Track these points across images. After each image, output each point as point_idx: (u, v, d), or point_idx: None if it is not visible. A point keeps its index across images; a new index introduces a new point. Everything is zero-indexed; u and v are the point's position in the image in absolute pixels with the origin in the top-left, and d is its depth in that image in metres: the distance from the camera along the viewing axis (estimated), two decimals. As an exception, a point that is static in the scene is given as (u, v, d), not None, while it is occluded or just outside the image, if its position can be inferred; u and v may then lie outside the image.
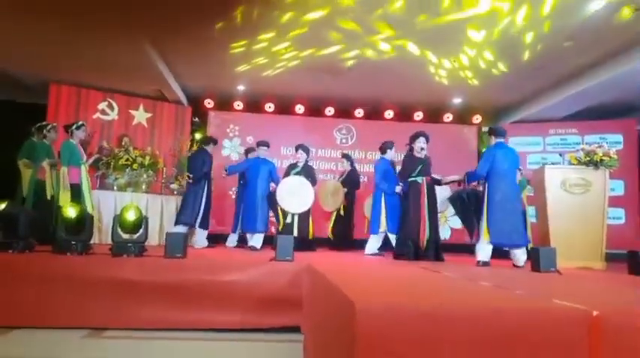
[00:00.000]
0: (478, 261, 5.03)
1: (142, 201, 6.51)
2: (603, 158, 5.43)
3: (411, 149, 5.83)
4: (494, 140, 5.39)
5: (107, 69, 6.95)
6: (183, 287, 3.60)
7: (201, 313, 3.55)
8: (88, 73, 7.21)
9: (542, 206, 5.69)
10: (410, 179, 5.68)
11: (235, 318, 3.54)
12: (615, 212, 7.64)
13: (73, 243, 4.14)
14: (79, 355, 2.86)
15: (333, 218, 7.66)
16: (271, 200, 6.51)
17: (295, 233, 6.54)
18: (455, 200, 5.43)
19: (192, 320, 3.52)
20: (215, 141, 7.24)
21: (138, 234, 4.30)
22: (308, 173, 6.89)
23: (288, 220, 6.71)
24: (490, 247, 5.08)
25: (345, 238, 7.61)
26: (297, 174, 6.84)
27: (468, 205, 5.27)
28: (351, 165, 7.90)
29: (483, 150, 9.25)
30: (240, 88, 8.33)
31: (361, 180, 8.19)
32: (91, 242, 4.55)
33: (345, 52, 6.56)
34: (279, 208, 6.54)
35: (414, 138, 5.81)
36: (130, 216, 4.28)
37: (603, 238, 5.44)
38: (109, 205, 6.34)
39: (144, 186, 6.88)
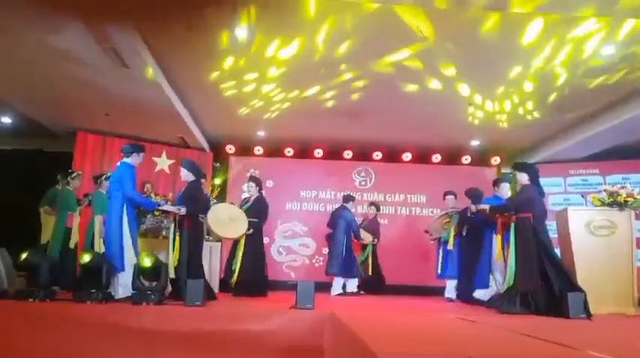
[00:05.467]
0: None
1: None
2: (627, 199, 5.30)
3: None
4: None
5: (132, 117, 7.17)
6: (202, 336, 3.56)
7: (221, 363, 3.48)
8: (114, 122, 7.44)
9: (567, 248, 5.54)
10: None
11: (255, 369, 3.46)
12: (645, 254, 7.39)
13: (92, 291, 4.14)
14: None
15: None
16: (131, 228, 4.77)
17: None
18: None
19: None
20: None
21: (158, 282, 4.30)
22: (259, 208, 6.33)
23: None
24: None
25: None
26: (247, 210, 6.20)
27: None
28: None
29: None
30: (261, 133, 8.50)
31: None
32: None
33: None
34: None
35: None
36: (146, 263, 4.27)
37: (634, 282, 5.24)
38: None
39: (164, 232, 6.92)
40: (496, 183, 6.21)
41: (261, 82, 6.22)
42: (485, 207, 5.49)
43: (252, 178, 6.61)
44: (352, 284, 7.28)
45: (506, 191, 6.07)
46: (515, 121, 7.36)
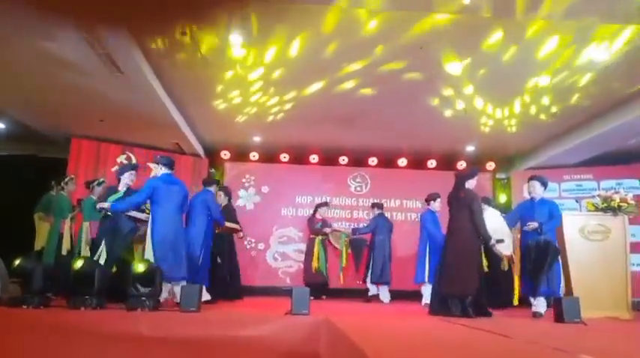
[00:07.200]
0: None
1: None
2: (621, 204, 5.34)
3: None
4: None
5: (127, 123, 7.16)
6: (197, 342, 3.54)
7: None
8: (109, 128, 7.42)
9: (561, 253, 5.57)
10: None
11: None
12: (637, 258, 7.42)
13: (87, 297, 4.11)
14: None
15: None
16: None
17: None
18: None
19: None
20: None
21: (152, 288, 4.27)
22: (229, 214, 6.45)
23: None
24: None
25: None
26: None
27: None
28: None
29: (501, 195, 9.23)
30: (256, 139, 8.49)
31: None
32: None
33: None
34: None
35: None
36: (140, 268, 4.23)
37: (628, 286, 5.27)
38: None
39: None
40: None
41: (257, 86, 6.22)
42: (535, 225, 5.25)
43: (221, 188, 6.72)
44: (386, 293, 7.37)
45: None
46: (509, 127, 7.40)
